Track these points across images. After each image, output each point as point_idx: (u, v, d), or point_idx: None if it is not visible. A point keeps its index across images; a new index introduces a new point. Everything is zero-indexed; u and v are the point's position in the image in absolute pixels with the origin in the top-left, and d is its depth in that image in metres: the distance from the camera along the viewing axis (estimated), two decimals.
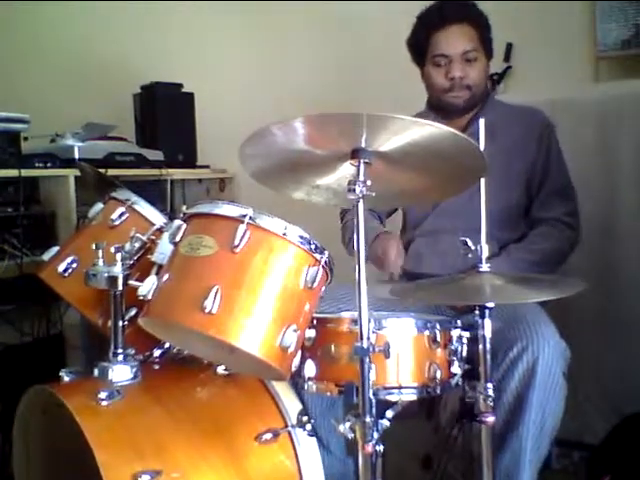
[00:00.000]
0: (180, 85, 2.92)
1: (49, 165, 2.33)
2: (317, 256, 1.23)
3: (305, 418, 1.37)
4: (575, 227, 1.83)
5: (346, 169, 1.23)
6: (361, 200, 1.14)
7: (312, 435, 1.38)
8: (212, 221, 1.23)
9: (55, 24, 3.08)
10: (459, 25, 1.79)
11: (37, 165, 2.30)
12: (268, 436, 1.35)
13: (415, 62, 1.90)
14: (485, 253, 1.31)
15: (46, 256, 1.55)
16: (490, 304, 1.28)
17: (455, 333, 1.32)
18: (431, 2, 1.86)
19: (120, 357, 1.39)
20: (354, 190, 1.14)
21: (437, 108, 1.89)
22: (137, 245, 1.42)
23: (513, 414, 1.50)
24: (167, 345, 1.48)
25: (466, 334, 1.33)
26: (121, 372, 1.38)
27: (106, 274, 1.36)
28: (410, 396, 1.26)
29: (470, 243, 1.31)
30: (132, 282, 1.33)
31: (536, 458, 1.51)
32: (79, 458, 1.22)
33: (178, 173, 2.80)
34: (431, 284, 1.50)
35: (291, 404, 1.41)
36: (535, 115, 1.88)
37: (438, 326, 1.30)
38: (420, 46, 1.85)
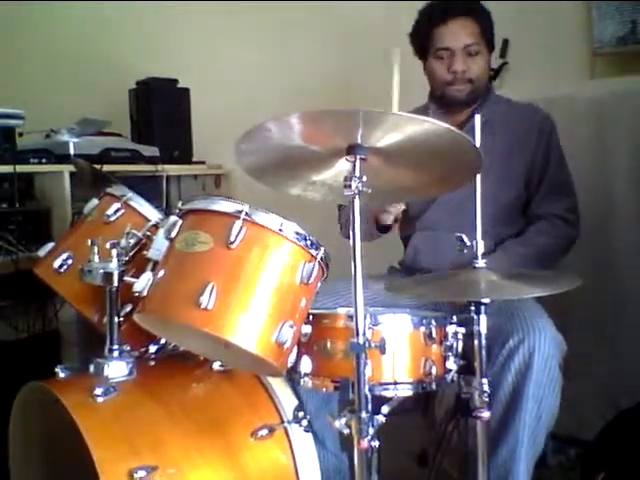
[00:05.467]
0: (176, 81, 2.91)
1: (44, 161, 2.32)
2: (313, 252, 1.23)
3: (301, 414, 1.37)
4: (574, 223, 1.83)
5: (342, 165, 1.23)
6: (357, 196, 1.14)
7: (308, 431, 1.38)
8: (208, 217, 1.23)
9: (50, 21, 3.07)
10: (462, 19, 1.80)
11: (32, 161, 2.30)
12: (264, 432, 1.35)
13: (417, 55, 1.91)
14: (481, 249, 1.31)
15: (41, 252, 1.54)
16: (485, 300, 1.29)
17: (450, 329, 1.32)
18: (430, 1, 1.86)
19: (116, 353, 1.39)
20: (350, 186, 1.14)
21: (439, 101, 1.90)
22: (132, 241, 1.42)
23: (509, 407, 1.50)
24: (163, 341, 1.48)
25: (461, 330, 1.33)
26: (117, 368, 1.38)
27: (101, 270, 1.36)
28: (406, 392, 1.26)
29: (466, 239, 1.31)
30: (127, 278, 1.33)
31: (532, 452, 1.52)
32: (75, 454, 1.22)
33: (174, 169, 2.79)
34: (427, 280, 1.50)
35: (287, 400, 1.41)
36: (536, 112, 1.88)
37: (434, 322, 1.30)
38: (423, 39, 1.86)
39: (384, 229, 1.82)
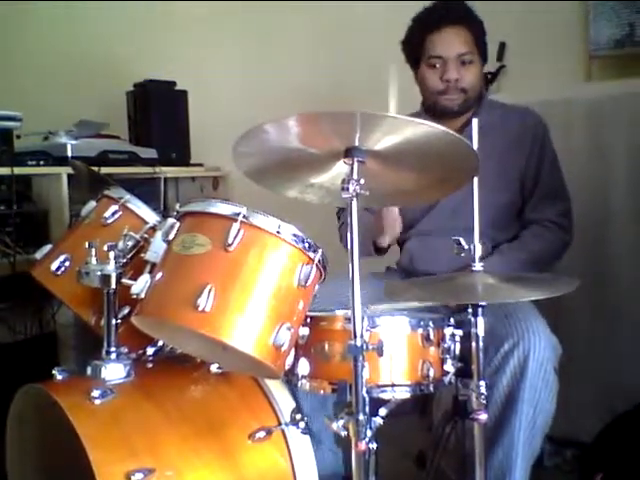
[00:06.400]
0: (173, 83, 2.92)
1: (42, 163, 2.32)
2: (311, 254, 1.23)
3: (298, 416, 1.37)
4: (567, 228, 1.83)
5: (340, 168, 1.23)
6: (355, 199, 1.14)
7: (305, 433, 1.38)
8: (205, 219, 1.23)
9: (48, 23, 3.08)
10: (455, 27, 1.78)
11: (30, 163, 2.30)
12: (261, 434, 1.35)
13: (409, 63, 1.89)
14: (478, 253, 1.31)
15: (39, 254, 1.54)
16: (483, 303, 1.29)
17: (448, 331, 1.32)
18: (428, 3, 1.86)
19: (113, 356, 1.39)
20: (348, 189, 1.14)
21: (431, 110, 1.88)
22: (130, 243, 1.41)
23: (505, 409, 1.51)
24: (160, 343, 1.48)
25: (459, 332, 1.33)
26: (114, 371, 1.37)
27: (99, 272, 1.36)
28: (403, 394, 1.26)
29: (463, 243, 1.31)
30: (125, 280, 1.33)
31: (529, 454, 1.52)
32: (72, 456, 1.22)
33: (171, 171, 2.79)
34: (425, 283, 1.51)
35: (284, 402, 1.41)
36: (530, 116, 1.88)
37: (431, 324, 1.30)
38: (415, 47, 1.84)
39: (380, 250, 1.83)
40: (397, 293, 1.47)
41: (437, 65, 1.80)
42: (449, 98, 1.81)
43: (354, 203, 1.15)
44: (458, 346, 1.33)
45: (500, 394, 1.51)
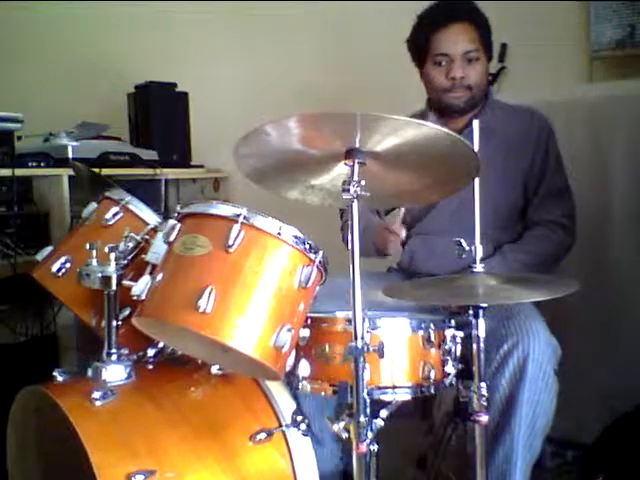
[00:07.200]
0: (174, 84, 2.92)
1: (43, 165, 2.32)
2: (311, 256, 1.23)
3: (299, 417, 1.37)
4: (570, 230, 1.83)
5: (341, 169, 1.23)
6: (355, 200, 1.14)
7: (306, 434, 1.38)
8: (206, 221, 1.23)
9: (49, 23, 3.07)
10: (461, 24, 1.78)
11: (31, 164, 2.30)
12: (262, 436, 1.35)
13: (415, 62, 1.89)
14: (479, 254, 1.31)
15: (40, 256, 1.54)
16: (484, 304, 1.29)
17: (449, 333, 1.32)
18: (432, 2, 1.86)
19: (114, 357, 1.39)
20: (348, 190, 1.14)
21: (437, 108, 1.88)
22: (131, 245, 1.41)
23: (504, 411, 1.51)
24: (161, 345, 1.47)
25: (460, 334, 1.33)
26: (115, 372, 1.37)
27: (100, 274, 1.36)
28: (404, 396, 1.26)
29: (464, 244, 1.31)
30: (126, 282, 1.33)
31: (529, 456, 1.52)
32: (73, 458, 1.22)
33: (172, 173, 2.79)
34: (425, 284, 1.51)
35: (285, 404, 1.41)
36: (534, 116, 1.87)
37: (432, 326, 1.30)
38: (421, 45, 1.83)
39: (382, 253, 1.83)
40: (398, 294, 1.47)
41: (443, 63, 1.79)
42: (455, 96, 1.81)
43: (355, 205, 1.15)
44: (459, 348, 1.33)
45: (500, 395, 1.51)
